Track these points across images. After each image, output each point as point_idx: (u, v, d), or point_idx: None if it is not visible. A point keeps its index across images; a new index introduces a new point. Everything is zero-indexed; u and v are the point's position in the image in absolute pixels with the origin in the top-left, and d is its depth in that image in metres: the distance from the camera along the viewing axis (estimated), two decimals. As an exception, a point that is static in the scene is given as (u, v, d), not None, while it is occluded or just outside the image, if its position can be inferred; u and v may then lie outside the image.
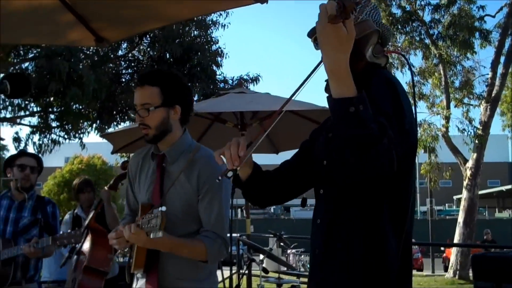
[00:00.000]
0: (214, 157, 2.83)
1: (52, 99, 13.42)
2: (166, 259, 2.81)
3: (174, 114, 2.86)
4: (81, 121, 14.35)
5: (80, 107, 13.49)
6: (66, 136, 15.55)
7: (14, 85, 2.04)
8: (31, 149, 15.35)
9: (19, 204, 4.48)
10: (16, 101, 14.76)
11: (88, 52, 12.54)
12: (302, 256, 18.70)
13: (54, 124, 15.43)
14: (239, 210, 32.39)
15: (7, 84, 2.02)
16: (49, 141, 15.30)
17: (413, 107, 2.05)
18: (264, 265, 5.89)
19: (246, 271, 6.25)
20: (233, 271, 7.00)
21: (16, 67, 12.75)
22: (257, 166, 2.35)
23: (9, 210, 4.43)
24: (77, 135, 15.49)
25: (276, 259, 5.96)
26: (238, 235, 6.35)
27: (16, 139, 15.19)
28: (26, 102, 14.74)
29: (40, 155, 15.08)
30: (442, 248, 26.38)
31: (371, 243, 2.00)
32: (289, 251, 15.23)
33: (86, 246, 5.15)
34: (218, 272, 3.28)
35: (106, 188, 5.29)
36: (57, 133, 15.51)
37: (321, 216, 2.19)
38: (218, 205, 2.81)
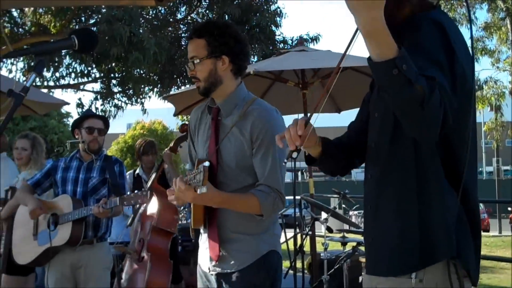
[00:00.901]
0: (270, 110, 2.85)
1: (113, 64, 13.60)
2: (223, 213, 2.83)
3: (222, 65, 2.85)
4: (142, 85, 14.50)
5: (141, 71, 13.62)
6: (128, 101, 15.81)
7: (81, 40, 2.05)
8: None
9: (87, 165, 4.58)
10: (79, 68, 15.09)
11: (147, 17, 12.65)
12: (365, 218, 18.50)
13: (116, 89, 15.71)
14: (299, 173, 32.36)
15: (74, 39, 2.04)
16: (112, 107, 15.61)
17: (470, 53, 1.94)
18: (328, 224, 5.88)
19: (310, 231, 6.26)
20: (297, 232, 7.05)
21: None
22: (326, 142, 2.32)
23: (79, 171, 4.54)
24: (138, 100, 15.74)
25: (340, 217, 5.94)
26: (301, 195, 6.30)
27: (80, 105, 15.53)
28: (89, 69, 15.01)
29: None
30: (509, 209, 25.75)
31: (425, 198, 1.93)
32: (351, 212, 15.17)
33: (150, 207, 5.27)
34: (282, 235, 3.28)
35: (166, 150, 5.37)
36: (119, 99, 15.79)
37: (372, 171, 2.15)
38: (272, 158, 2.80)
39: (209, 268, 2.92)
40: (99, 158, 4.61)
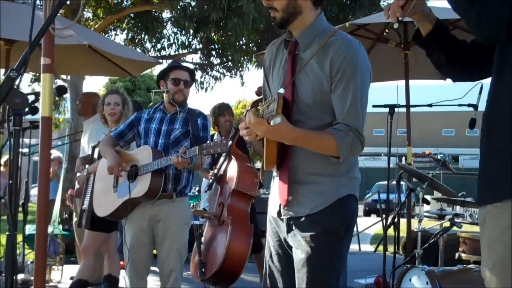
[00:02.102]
0: (352, 42, 2.60)
1: (212, 32, 13.59)
2: (298, 153, 2.61)
3: None
4: (241, 56, 14.41)
5: (240, 40, 13.48)
6: (227, 73, 15.81)
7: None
8: (193, 87, 15.83)
9: (171, 116, 4.48)
10: (179, 39, 15.23)
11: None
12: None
13: (215, 61, 15.74)
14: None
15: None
16: (211, 78, 15.67)
17: None
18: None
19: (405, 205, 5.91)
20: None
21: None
22: (441, 26, 2.27)
23: (162, 122, 4.45)
24: (238, 72, 15.68)
25: (438, 186, 5.50)
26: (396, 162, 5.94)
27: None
28: (189, 40, 15.13)
29: (203, 90, 15.65)
30: None
31: None
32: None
33: (229, 171, 5.14)
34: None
35: (244, 113, 5.22)
36: (218, 70, 15.82)
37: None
38: (352, 94, 2.54)
39: (278, 213, 2.74)
40: (183, 110, 4.50)
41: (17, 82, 2.29)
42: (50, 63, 2.75)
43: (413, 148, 6.58)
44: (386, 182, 5.63)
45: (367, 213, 24.38)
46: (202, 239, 4.91)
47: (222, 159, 5.37)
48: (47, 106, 2.85)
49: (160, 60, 14.42)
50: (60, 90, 3.85)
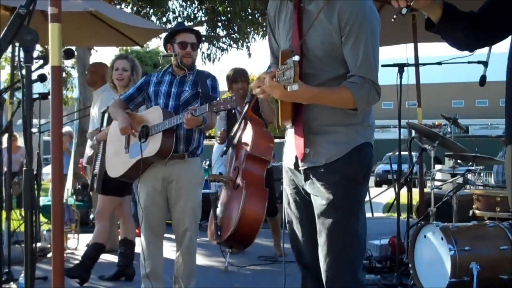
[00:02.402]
0: None
1: (218, 2, 13.46)
2: (312, 107, 2.63)
3: None
4: (247, 26, 14.33)
5: (246, 10, 13.35)
6: (233, 45, 15.73)
7: None
8: (199, 58, 15.79)
9: (180, 79, 4.48)
10: (185, 12, 15.15)
11: None
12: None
13: (221, 33, 15.67)
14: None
15: None
16: (217, 49, 15.60)
17: None
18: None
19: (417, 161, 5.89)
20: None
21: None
22: (449, 6, 2.20)
23: (171, 85, 4.45)
24: (244, 44, 15.59)
25: (449, 144, 5.48)
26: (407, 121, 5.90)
27: (184, 48, 15.64)
28: (195, 12, 15.04)
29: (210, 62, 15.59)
30: None
31: None
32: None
33: (244, 136, 5.15)
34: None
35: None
36: (225, 42, 15.75)
37: None
38: (364, 45, 2.54)
39: (295, 165, 2.77)
40: (192, 73, 4.50)
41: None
42: (58, 12, 2.75)
43: (423, 120, 6.56)
44: (396, 153, 5.59)
45: (378, 184, 24.29)
46: (218, 203, 4.96)
47: (237, 123, 5.39)
48: (56, 55, 2.83)
49: (166, 27, 14.47)
50: (68, 53, 3.83)
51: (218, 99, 4.10)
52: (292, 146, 2.76)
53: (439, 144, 5.43)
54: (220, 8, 14.25)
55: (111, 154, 4.69)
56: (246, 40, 15.47)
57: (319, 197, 2.64)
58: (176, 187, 4.36)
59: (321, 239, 2.64)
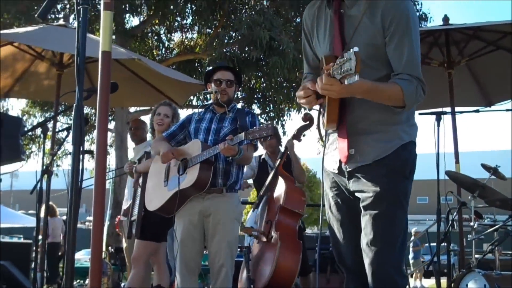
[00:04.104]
0: None
1: (252, 75, 13.73)
2: (356, 108, 2.68)
3: None
4: (282, 103, 14.55)
5: (280, 80, 13.55)
6: (269, 122, 15.91)
7: None
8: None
9: (220, 116, 4.58)
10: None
11: (288, 24, 12.78)
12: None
13: (257, 111, 15.87)
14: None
15: None
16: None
17: None
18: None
19: (456, 216, 5.78)
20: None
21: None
22: None
23: (211, 121, 4.56)
24: (279, 122, 15.74)
25: (491, 194, 5.38)
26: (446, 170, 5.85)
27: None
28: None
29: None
30: None
31: None
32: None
33: (277, 190, 5.19)
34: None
35: (290, 138, 5.33)
36: (260, 119, 15.95)
37: None
38: (408, 43, 2.62)
39: (339, 169, 2.79)
40: (232, 110, 4.60)
41: None
42: (110, 1, 2.88)
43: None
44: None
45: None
46: (250, 256, 4.92)
47: (269, 178, 5.44)
48: (107, 40, 2.93)
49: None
50: (113, 87, 3.88)
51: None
52: (333, 151, 2.80)
53: (479, 195, 5.37)
54: (254, 81, 14.55)
55: (151, 188, 4.74)
56: (281, 118, 15.62)
57: (365, 192, 2.65)
58: (213, 221, 4.34)
59: (366, 230, 2.63)
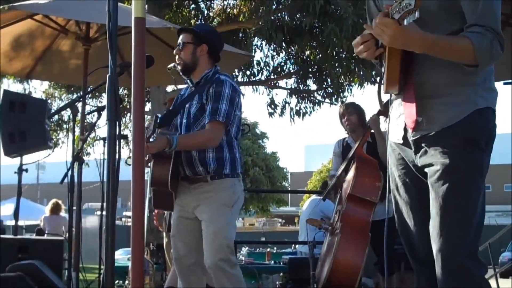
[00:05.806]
0: None
1: (306, 46, 13.57)
2: (424, 67, 2.64)
3: None
4: (342, 77, 14.34)
5: (338, 52, 13.34)
6: (326, 100, 15.65)
7: None
8: (287, 115, 15.88)
9: (191, 91, 4.46)
10: (272, 65, 15.34)
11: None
12: None
13: (313, 87, 15.72)
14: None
15: None
16: (308, 103, 15.66)
17: None
18: None
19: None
20: None
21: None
22: None
23: (187, 99, 4.45)
24: (338, 99, 15.44)
25: None
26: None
27: (271, 105, 15.84)
28: (282, 64, 15.25)
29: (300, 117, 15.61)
30: None
31: None
32: None
33: (348, 176, 5.15)
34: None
35: (374, 114, 5.25)
36: (315, 96, 15.72)
37: None
38: None
39: (404, 138, 2.75)
40: (203, 80, 4.41)
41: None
42: None
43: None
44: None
45: (504, 275, 23.19)
46: (320, 251, 4.92)
47: (343, 164, 5.38)
48: (139, 5, 3.02)
49: (251, 80, 14.74)
50: (149, 61, 3.85)
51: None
52: (398, 119, 2.76)
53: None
54: (311, 56, 14.41)
55: None
56: (341, 95, 15.37)
57: (434, 165, 2.59)
58: (200, 211, 4.28)
59: (434, 211, 2.57)
